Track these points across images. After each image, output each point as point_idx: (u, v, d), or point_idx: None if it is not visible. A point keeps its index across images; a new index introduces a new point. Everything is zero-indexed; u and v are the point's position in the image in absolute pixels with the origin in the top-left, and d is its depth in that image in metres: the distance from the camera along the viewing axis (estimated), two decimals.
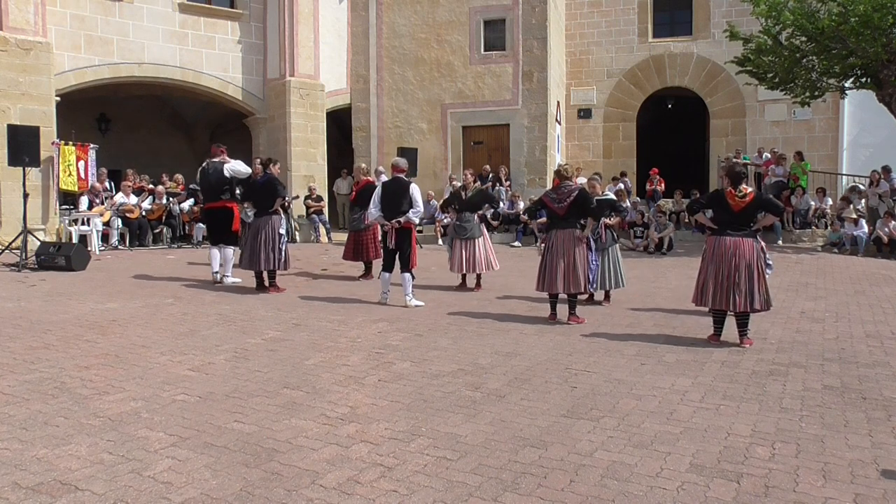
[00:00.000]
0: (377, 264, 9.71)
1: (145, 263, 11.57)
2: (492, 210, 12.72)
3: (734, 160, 14.44)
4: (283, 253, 8.78)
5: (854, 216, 13.87)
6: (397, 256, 7.99)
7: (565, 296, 7.02)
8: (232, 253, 9.71)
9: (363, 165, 11.66)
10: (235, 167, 9.35)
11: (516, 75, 17.69)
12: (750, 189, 6.10)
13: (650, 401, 4.48)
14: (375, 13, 18.62)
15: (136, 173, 15.73)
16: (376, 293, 8.39)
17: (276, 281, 9.00)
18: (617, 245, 8.20)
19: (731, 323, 6.18)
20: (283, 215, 9.02)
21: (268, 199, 8.81)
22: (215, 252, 9.63)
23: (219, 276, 9.58)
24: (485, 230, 9.37)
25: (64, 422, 4.01)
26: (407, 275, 7.87)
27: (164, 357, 5.52)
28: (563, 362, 5.45)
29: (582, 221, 7.02)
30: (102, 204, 13.98)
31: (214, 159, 9.55)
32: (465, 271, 9.15)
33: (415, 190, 7.94)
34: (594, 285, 7.35)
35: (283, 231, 8.83)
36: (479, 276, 9.33)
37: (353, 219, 10.49)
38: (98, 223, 13.43)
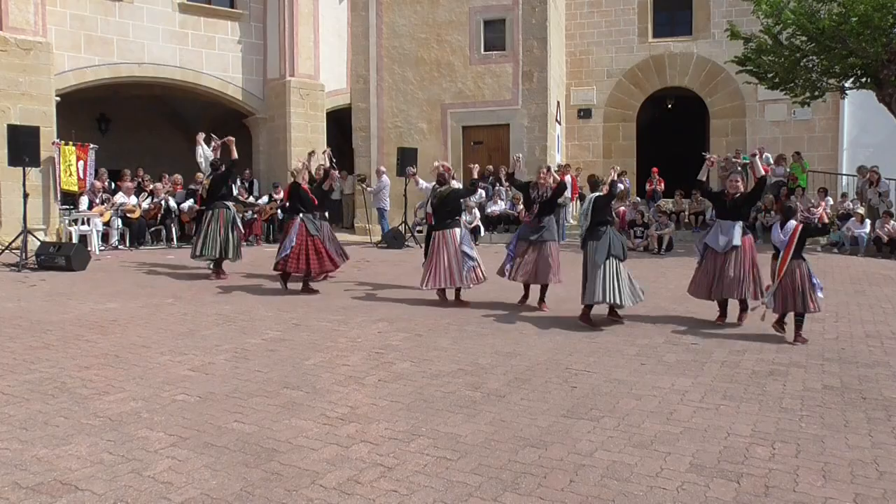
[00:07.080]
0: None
1: (145, 263, 11.56)
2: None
3: (733, 160, 14.47)
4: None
5: (861, 212, 13.87)
6: None
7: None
8: None
9: (299, 165, 10.03)
10: None
11: (516, 75, 17.67)
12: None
13: (650, 401, 4.48)
14: (375, 13, 18.60)
15: (133, 173, 15.72)
16: (374, 293, 8.39)
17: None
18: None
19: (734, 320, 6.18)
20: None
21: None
22: None
23: None
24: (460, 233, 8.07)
25: (64, 422, 4.01)
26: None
27: (164, 357, 5.52)
28: (563, 362, 5.45)
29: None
30: (102, 204, 13.98)
31: None
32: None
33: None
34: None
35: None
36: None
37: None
38: (98, 223, 13.43)
